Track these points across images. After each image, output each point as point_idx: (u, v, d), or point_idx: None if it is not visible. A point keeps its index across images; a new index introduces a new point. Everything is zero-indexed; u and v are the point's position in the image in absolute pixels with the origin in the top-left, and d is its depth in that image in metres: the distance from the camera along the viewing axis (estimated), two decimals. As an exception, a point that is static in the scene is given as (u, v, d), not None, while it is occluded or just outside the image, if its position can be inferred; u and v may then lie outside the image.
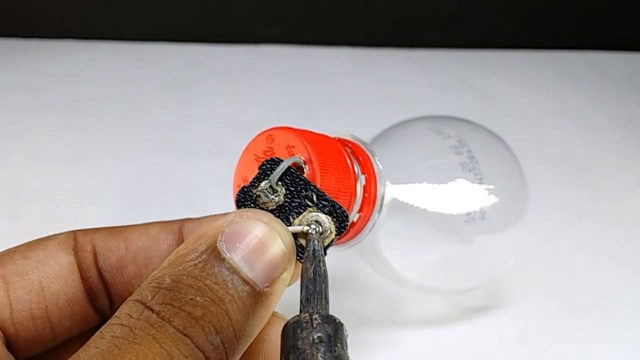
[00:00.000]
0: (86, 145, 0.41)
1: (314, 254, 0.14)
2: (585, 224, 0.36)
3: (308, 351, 0.11)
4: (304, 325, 0.12)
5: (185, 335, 0.12)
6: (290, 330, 0.12)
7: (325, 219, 0.15)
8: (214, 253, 0.13)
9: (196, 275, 0.13)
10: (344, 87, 0.52)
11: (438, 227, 0.23)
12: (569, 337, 0.27)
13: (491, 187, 0.24)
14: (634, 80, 0.57)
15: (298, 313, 0.13)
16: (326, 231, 0.15)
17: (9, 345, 0.14)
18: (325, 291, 0.13)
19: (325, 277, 0.14)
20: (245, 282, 0.13)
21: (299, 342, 0.11)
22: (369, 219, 0.20)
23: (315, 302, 0.13)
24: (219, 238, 0.13)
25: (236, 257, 0.13)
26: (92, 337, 0.12)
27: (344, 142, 0.20)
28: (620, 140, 0.46)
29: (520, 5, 0.61)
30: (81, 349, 0.11)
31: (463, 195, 0.23)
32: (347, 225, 0.16)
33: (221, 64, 0.54)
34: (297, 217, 0.16)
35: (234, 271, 0.13)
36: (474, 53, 0.60)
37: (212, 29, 0.59)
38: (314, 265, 0.14)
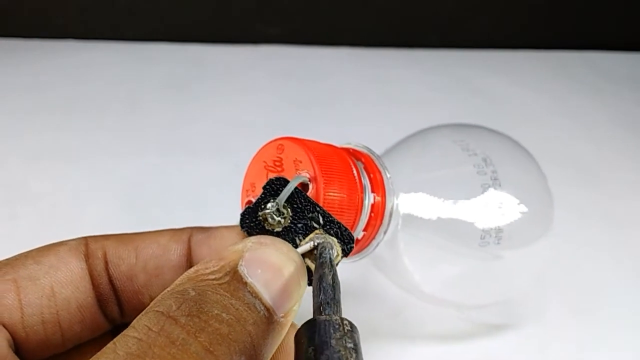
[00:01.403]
0: (86, 145, 0.41)
1: (330, 262, 0.15)
2: (585, 224, 0.36)
3: (343, 352, 0.11)
4: (336, 326, 0.12)
5: (211, 352, 0.11)
6: (322, 327, 0.12)
7: (331, 241, 0.15)
8: (236, 276, 0.13)
9: (221, 293, 0.13)
10: (343, 87, 0.52)
11: (453, 244, 0.23)
12: (570, 340, 0.27)
13: (510, 212, 0.23)
14: (634, 80, 0.57)
15: (315, 313, 0.13)
16: (332, 253, 0.15)
17: (18, 349, 0.14)
18: (340, 299, 0.14)
19: (340, 286, 0.14)
20: (266, 308, 0.13)
21: (333, 341, 0.12)
22: (374, 237, 0.19)
23: (336, 308, 0.13)
24: (240, 262, 0.13)
25: (257, 283, 0.13)
26: (105, 348, 0.11)
27: (356, 155, 0.20)
28: (620, 140, 0.46)
29: (520, 5, 0.61)
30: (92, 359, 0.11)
31: (478, 218, 0.22)
32: (352, 247, 0.16)
33: (221, 64, 0.54)
34: (304, 238, 0.16)
35: (256, 296, 0.13)
36: (474, 53, 0.60)
37: (212, 29, 0.59)
38: (332, 272, 0.14)
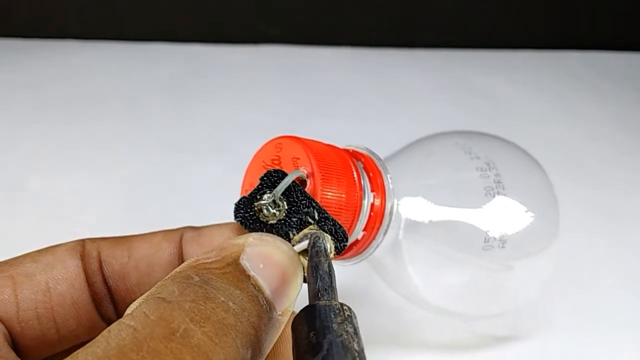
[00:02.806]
0: (86, 145, 0.41)
1: (325, 250, 0.15)
2: (585, 223, 0.36)
3: (345, 337, 0.11)
4: (337, 311, 0.12)
5: (216, 344, 0.11)
6: (323, 312, 0.12)
7: (325, 237, 0.15)
8: (238, 267, 0.13)
9: (225, 282, 0.12)
10: (343, 87, 0.52)
11: (456, 250, 0.22)
12: (576, 344, 0.27)
13: (514, 215, 0.22)
14: (634, 80, 0.57)
15: (312, 300, 0.13)
16: (325, 242, 0.15)
17: (16, 346, 0.14)
18: (336, 287, 0.13)
19: (335, 274, 0.14)
20: (268, 302, 0.13)
21: (334, 325, 0.12)
22: (374, 238, 0.19)
23: (334, 294, 0.13)
24: (241, 256, 0.13)
25: (260, 278, 0.13)
26: (99, 336, 0.11)
27: (357, 156, 0.20)
28: (620, 139, 0.46)
29: (520, 5, 0.61)
30: (82, 349, 0.11)
31: (481, 222, 0.22)
32: (346, 245, 0.16)
33: (221, 64, 0.54)
34: (297, 233, 0.15)
35: (259, 289, 0.13)
36: (474, 53, 0.60)
37: (212, 29, 0.59)
38: (327, 260, 0.14)
